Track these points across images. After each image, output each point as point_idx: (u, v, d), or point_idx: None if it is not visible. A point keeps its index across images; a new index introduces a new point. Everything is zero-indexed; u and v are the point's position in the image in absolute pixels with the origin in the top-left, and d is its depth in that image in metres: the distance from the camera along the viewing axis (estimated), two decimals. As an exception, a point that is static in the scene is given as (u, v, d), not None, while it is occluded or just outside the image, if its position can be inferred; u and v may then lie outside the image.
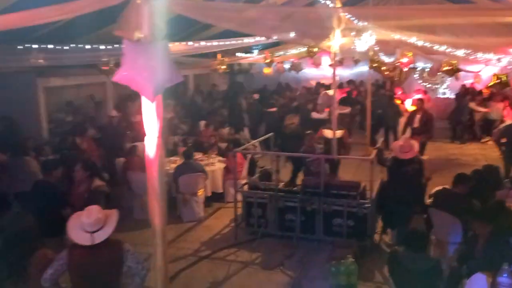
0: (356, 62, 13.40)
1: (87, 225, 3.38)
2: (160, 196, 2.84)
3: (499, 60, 6.88)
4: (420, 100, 10.19)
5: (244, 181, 7.69)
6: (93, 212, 3.43)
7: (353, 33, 6.47)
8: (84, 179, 5.71)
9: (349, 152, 8.83)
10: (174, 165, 7.91)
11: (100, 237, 3.37)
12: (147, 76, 2.36)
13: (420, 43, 5.58)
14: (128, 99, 11.35)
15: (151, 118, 2.71)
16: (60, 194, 5.63)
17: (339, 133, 7.82)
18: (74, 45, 7.25)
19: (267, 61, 12.72)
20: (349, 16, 5.29)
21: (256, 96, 14.67)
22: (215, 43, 8.91)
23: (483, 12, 4.54)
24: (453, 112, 13.46)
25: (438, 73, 10.03)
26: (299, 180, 7.50)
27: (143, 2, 2.39)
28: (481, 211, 4.84)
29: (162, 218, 2.88)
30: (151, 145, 2.79)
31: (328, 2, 5.02)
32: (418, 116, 9.46)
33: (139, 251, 5.83)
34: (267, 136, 8.47)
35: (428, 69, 11.78)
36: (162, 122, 2.75)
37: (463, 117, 13.16)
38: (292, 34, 4.74)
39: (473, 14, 4.58)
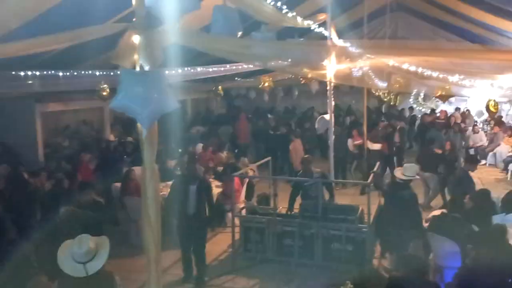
0: (351, 87, 13.55)
1: (79, 256, 3.27)
2: (154, 223, 2.81)
3: (492, 85, 7.02)
4: None
5: (242, 206, 7.64)
6: (84, 241, 3.32)
7: (348, 59, 6.57)
8: None
9: None
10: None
11: (93, 268, 3.26)
12: (143, 103, 2.38)
13: (413, 69, 5.71)
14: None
15: (146, 144, 2.72)
16: None
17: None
18: (71, 71, 7.35)
19: (265, 85, 12.89)
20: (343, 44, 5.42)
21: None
22: (212, 68, 9.03)
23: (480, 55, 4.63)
24: None
25: (432, 98, 10.16)
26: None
27: (140, 31, 2.43)
28: (483, 235, 4.81)
29: (157, 245, 2.84)
30: (145, 170, 2.78)
31: (322, 29, 5.13)
32: None
33: (134, 278, 5.76)
34: (265, 160, 8.47)
35: (422, 94, 11.93)
36: (156, 147, 2.76)
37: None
38: (287, 63, 4.83)
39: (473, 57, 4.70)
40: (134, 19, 2.53)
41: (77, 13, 5.13)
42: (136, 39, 2.51)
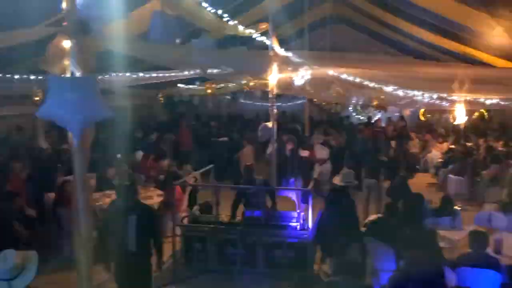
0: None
1: (3, 273, 3.03)
2: (85, 235, 2.68)
3: (423, 96, 7.48)
4: None
5: (183, 215, 7.50)
6: (9, 256, 3.09)
7: (289, 68, 6.70)
8: None
9: None
10: (109, 200, 7.54)
11: (19, 285, 3.05)
12: (73, 110, 2.26)
13: (351, 78, 5.96)
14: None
15: (77, 153, 2.59)
16: None
17: None
18: (1, 74, 6.88)
19: (208, 91, 12.87)
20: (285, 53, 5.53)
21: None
22: (153, 74, 8.82)
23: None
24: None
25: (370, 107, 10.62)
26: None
27: (71, 36, 2.32)
28: (415, 239, 5.05)
29: (88, 259, 2.71)
30: (76, 180, 2.65)
31: (264, 39, 5.19)
32: None
33: (67, 294, 5.42)
34: (208, 167, 8.38)
35: (360, 103, 12.45)
36: (88, 156, 2.64)
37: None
38: (228, 71, 4.82)
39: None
40: (64, 23, 2.41)
41: (5, 14, 4.82)
42: (67, 44, 2.39)
